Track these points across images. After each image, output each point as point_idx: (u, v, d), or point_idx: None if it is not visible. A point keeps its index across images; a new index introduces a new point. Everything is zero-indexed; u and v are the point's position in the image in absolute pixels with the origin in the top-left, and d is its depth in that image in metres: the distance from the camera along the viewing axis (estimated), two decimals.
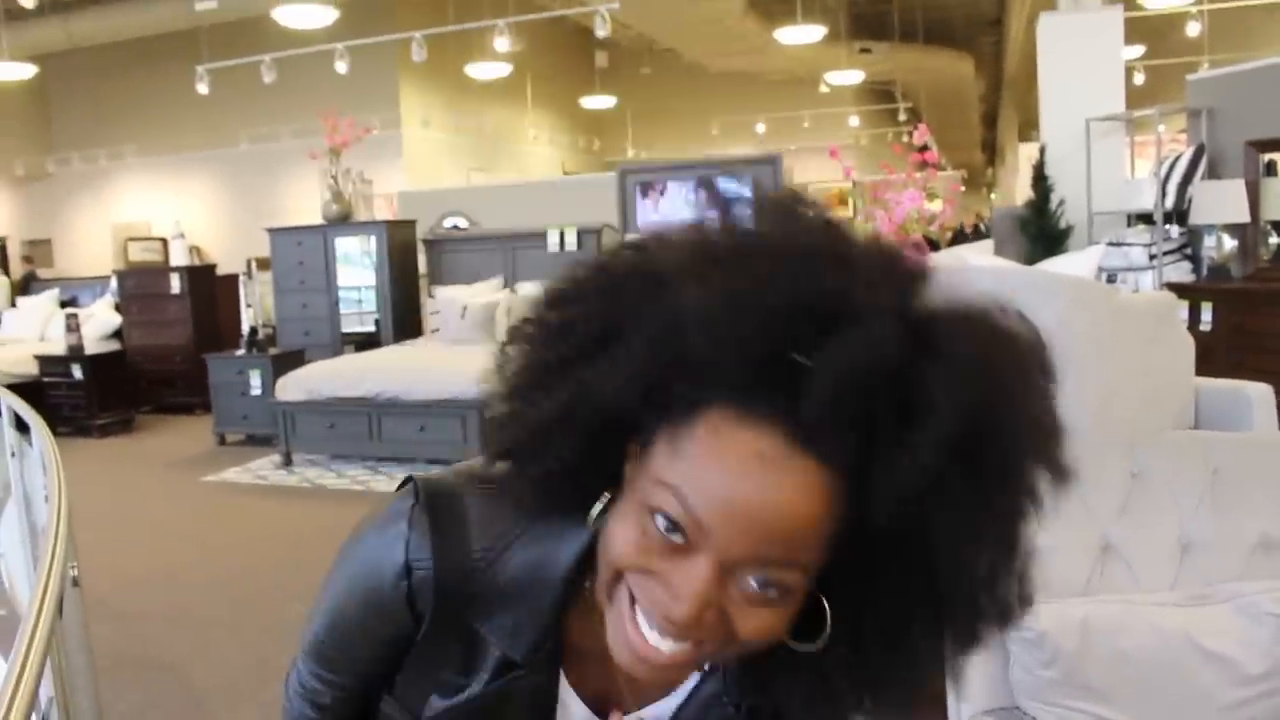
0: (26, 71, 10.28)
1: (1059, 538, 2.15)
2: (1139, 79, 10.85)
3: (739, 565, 0.66)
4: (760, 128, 15.56)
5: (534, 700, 0.83)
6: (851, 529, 0.67)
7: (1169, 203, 6.31)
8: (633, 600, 0.70)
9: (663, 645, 0.69)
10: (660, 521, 0.67)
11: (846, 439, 0.63)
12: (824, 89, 14.08)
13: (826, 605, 0.72)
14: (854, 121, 16.49)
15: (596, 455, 0.73)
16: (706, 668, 0.82)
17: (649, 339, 0.67)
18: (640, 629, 0.70)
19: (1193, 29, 10.55)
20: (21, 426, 3.71)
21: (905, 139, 2.58)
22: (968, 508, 0.66)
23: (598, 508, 0.75)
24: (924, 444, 0.63)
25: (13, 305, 10.46)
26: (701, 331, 0.64)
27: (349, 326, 8.52)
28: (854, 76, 13.63)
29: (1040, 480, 0.70)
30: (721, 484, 0.65)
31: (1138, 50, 10.90)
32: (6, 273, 11.22)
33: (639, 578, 0.70)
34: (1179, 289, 5.48)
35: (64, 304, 10.14)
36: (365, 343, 8.38)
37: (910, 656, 0.73)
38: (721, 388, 0.65)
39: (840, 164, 2.69)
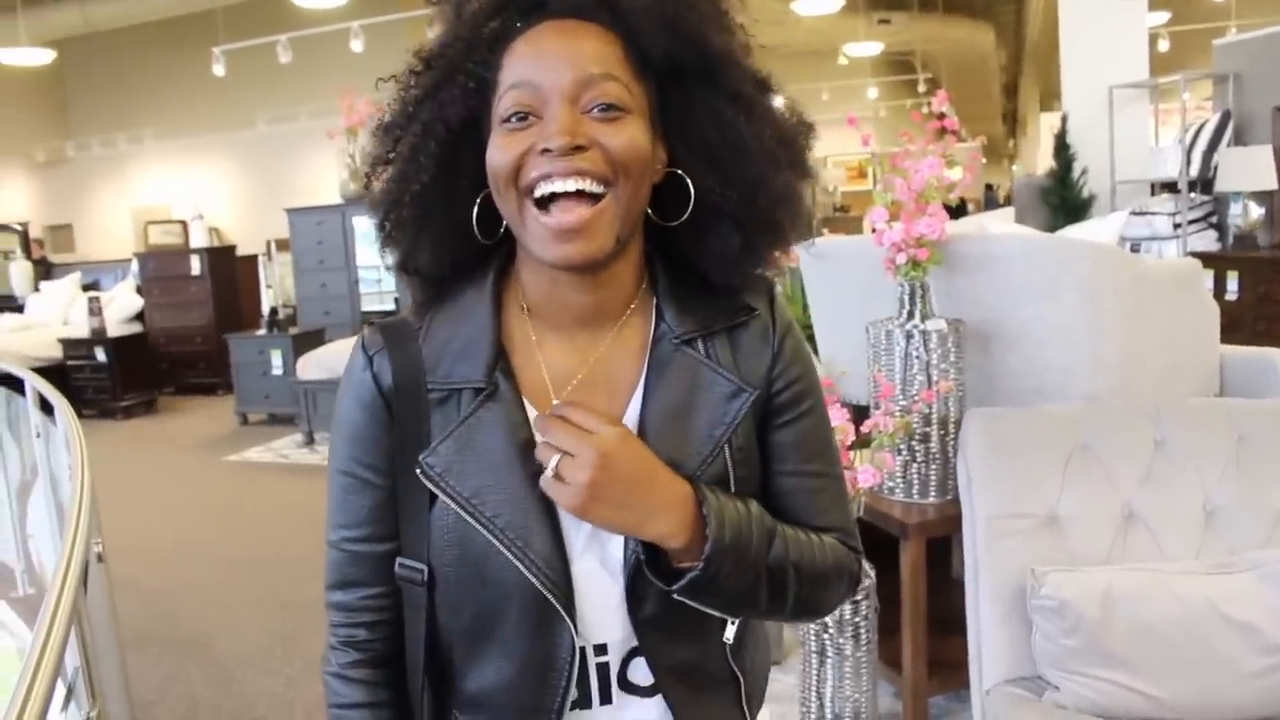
0: (45, 57, 10.31)
1: (1081, 505, 2.14)
2: (1163, 46, 10.69)
3: (577, 96, 0.86)
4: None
5: (505, 429, 0.92)
6: (649, 69, 0.90)
7: (1194, 170, 6.23)
8: (534, 199, 0.87)
9: (569, 185, 0.85)
10: (513, 121, 0.87)
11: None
12: (842, 61, 13.94)
13: (685, 176, 0.93)
14: (873, 93, 16.33)
15: (455, 180, 0.92)
16: (650, 341, 0.96)
17: (453, 46, 0.90)
18: (552, 214, 0.86)
19: None
20: (46, 408, 3.74)
21: (925, 109, 2.54)
22: (696, 10, 0.90)
23: (475, 210, 0.93)
24: None
25: (35, 290, 10.53)
26: None
27: (369, 305, 8.54)
28: (873, 48, 13.48)
29: None
30: (533, 58, 0.87)
31: (1162, 17, 10.72)
32: (29, 257, 11.30)
33: (525, 165, 0.87)
34: (1204, 258, 5.42)
35: (86, 288, 10.20)
36: None
37: (758, 163, 0.92)
38: (504, 33, 0.89)
39: (858, 131, 2.66)
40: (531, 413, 0.94)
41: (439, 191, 0.93)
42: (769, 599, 0.94)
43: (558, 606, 0.90)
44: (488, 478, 0.91)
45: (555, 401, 0.92)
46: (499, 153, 0.88)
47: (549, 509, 0.90)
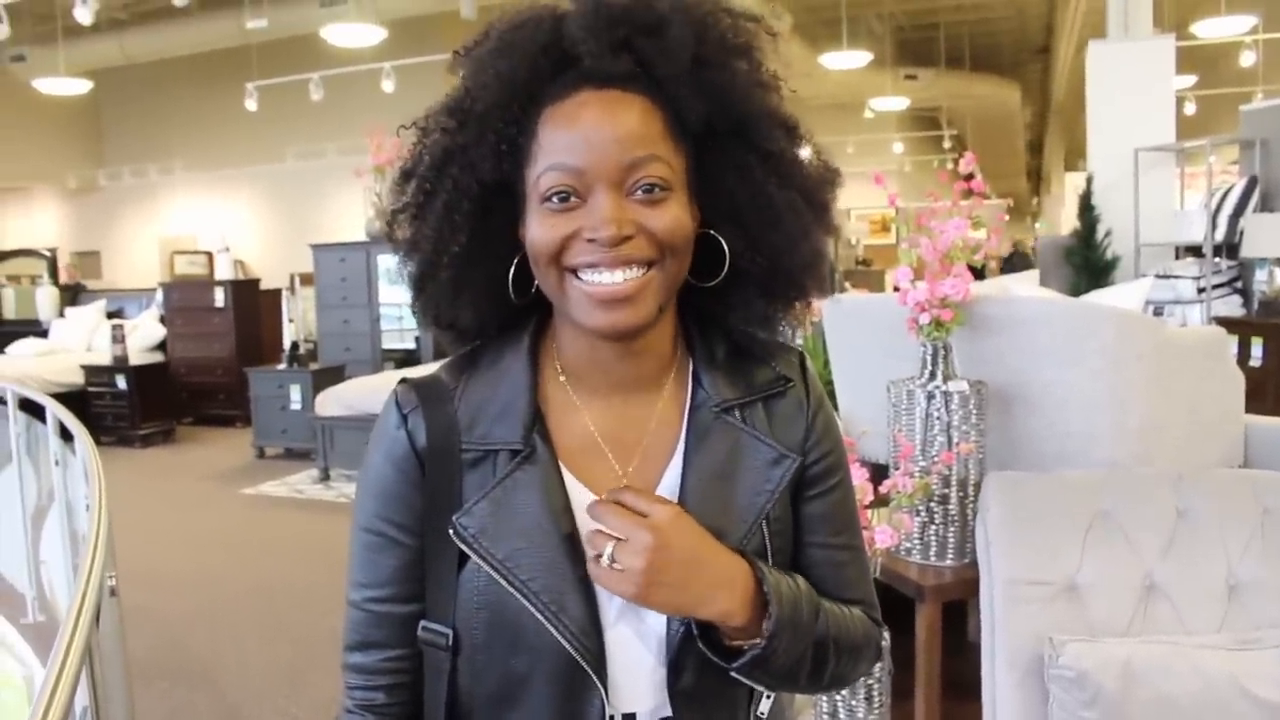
0: (82, 87, 10.49)
1: (1102, 574, 2.11)
2: (1190, 109, 10.71)
3: (622, 181, 0.85)
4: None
5: (546, 490, 0.91)
6: (686, 134, 0.89)
7: (1219, 235, 6.21)
8: (574, 272, 0.87)
9: (616, 277, 0.85)
10: (555, 201, 0.86)
11: (625, 62, 0.86)
12: (868, 115, 14.02)
13: (719, 238, 0.92)
14: (898, 148, 16.40)
15: (490, 241, 0.91)
16: (688, 408, 0.96)
17: (484, 101, 0.88)
18: (594, 283, 0.86)
19: (1247, 59, 10.39)
20: (65, 435, 3.76)
21: (950, 166, 2.55)
22: (732, 71, 0.89)
23: (511, 271, 0.92)
24: (673, 47, 0.86)
25: (61, 315, 10.63)
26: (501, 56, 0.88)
27: (389, 343, 8.58)
28: (899, 103, 13.57)
29: (762, 43, 0.93)
30: (575, 135, 0.85)
31: (1189, 80, 10.75)
32: (56, 283, 11.42)
33: (569, 248, 0.86)
34: (1229, 323, 5.38)
35: (110, 315, 10.30)
36: (405, 360, 8.43)
37: (788, 230, 0.92)
38: (536, 93, 0.87)
39: (885, 190, 2.66)
40: (568, 477, 0.93)
41: (476, 251, 0.92)
42: (810, 673, 0.94)
43: (590, 674, 0.88)
44: (522, 541, 0.89)
45: (598, 500, 0.89)
46: (542, 232, 0.87)
47: (584, 574, 0.89)
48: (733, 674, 0.89)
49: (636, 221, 0.85)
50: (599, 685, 0.89)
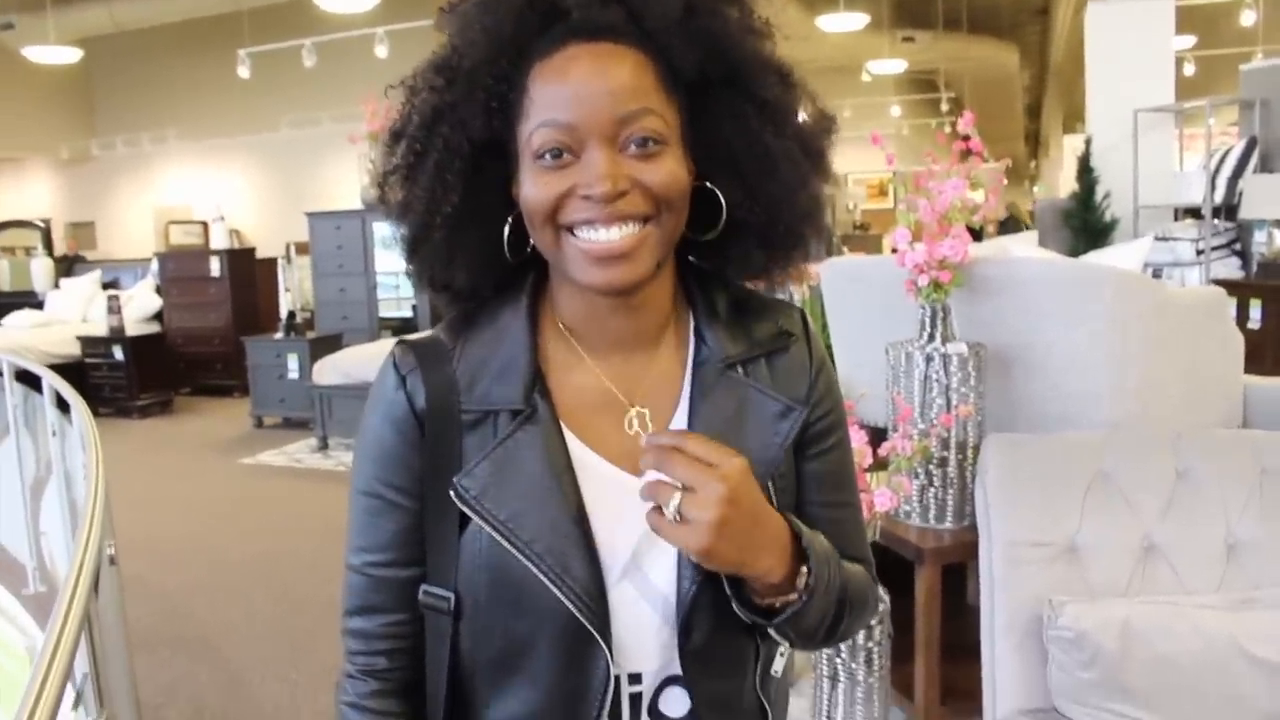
0: (72, 55, 10.39)
1: (1101, 535, 2.11)
2: (1189, 70, 10.62)
3: (615, 135, 0.83)
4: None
5: (543, 452, 0.89)
6: (679, 86, 0.87)
7: (1219, 197, 6.18)
8: (570, 229, 0.85)
9: (612, 234, 0.84)
10: (548, 159, 0.84)
11: (614, 13, 0.85)
12: (866, 78, 13.90)
13: (716, 191, 0.91)
14: (895, 111, 16.27)
15: (483, 200, 0.90)
16: (690, 363, 0.95)
17: (471, 58, 0.86)
18: (590, 240, 0.84)
19: (1247, 18, 10.30)
20: (63, 406, 3.75)
21: (948, 129, 2.51)
22: (724, 18, 0.88)
23: (506, 230, 0.91)
24: None
25: (56, 287, 10.60)
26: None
27: (386, 311, 8.55)
28: (896, 66, 13.46)
29: None
30: (565, 90, 0.83)
31: (1189, 40, 10.66)
32: (51, 254, 11.37)
33: (564, 206, 0.85)
34: (1228, 285, 5.37)
35: (106, 286, 10.26)
36: (402, 328, 8.41)
37: (785, 178, 0.91)
38: (525, 48, 0.85)
39: (882, 151, 2.64)
40: (569, 436, 0.92)
41: (469, 211, 0.90)
42: (829, 629, 0.94)
43: (595, 634, 0.87)
44: (525, 502, 0.88)
45: (658, 444, 0.84)
46: (536, 190, 0.86)
47: (586, 533, 0.88)
48: (770, 630, 0.89)
49: (631, 176, 0.84)
50: (604, 646, 0.88)
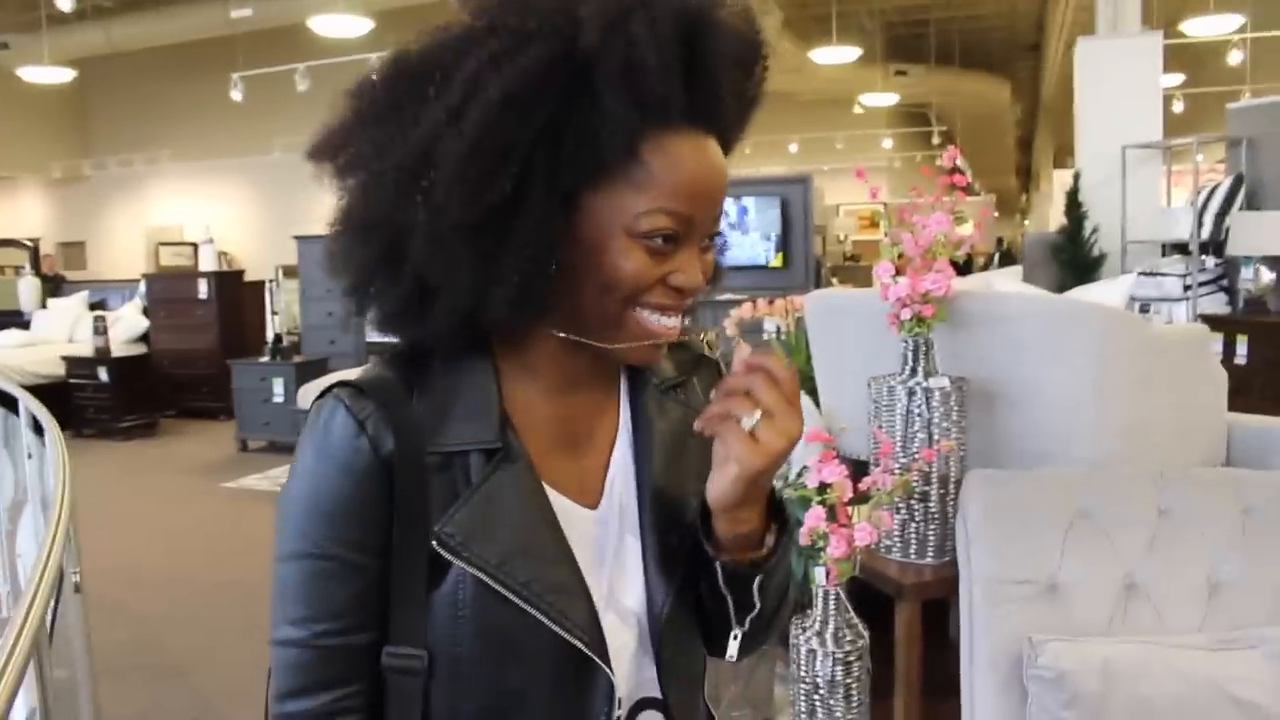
0: (66, 75, 10.40)
1: (1082, 573, 2.09)
2: (1178, 107, 10.71)
3: (709, 233, 0.87)
4: (793, 147, 15.49)
5: (523, 492, 0.87)
6: None
7: (1205, 233, 6.20)
8: (641, 306, 0.85)
9: (676, 322, 0.87)
10: (659, 242, 0.83)
11: (728, 105, 0.87)
12: (858, 110, 14.01)
13: None
14: (887, 144, 16.38)
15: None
16: (625, 391, 0.98)
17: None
18: (660, 324, 0.86)
19: (1235, 58, 10.39)
20: (39, 428, 3.71)
21: (935, 162, 2.52)
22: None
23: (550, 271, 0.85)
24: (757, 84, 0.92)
25: (43, 306, 10.55)
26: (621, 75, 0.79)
27: (373, 336, 8.51)
28: (888, 98, 13.55)
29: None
30: (692, 181, 0.83)
31: (1177, 78, 10.76)
32: (38, 273, 11.33)
33: (653, 288, 0.84)
34: (1214, 321, 5.38)
35: (93, 306, 10.22)
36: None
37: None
38: (645, 115, 0.80)
39: (867, 185, 2.63)
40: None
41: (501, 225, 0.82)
42: (780, 597, 0.96)
43: (601, 664, 0.87)
44: (516, 541, 0.85)
45: (748, 360, 0.85)
46: (635, 268, 0.83)
47: (576, 570, 0.88)
48: (755, 587, 0.90)
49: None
50: (608, 671, 0.88)
